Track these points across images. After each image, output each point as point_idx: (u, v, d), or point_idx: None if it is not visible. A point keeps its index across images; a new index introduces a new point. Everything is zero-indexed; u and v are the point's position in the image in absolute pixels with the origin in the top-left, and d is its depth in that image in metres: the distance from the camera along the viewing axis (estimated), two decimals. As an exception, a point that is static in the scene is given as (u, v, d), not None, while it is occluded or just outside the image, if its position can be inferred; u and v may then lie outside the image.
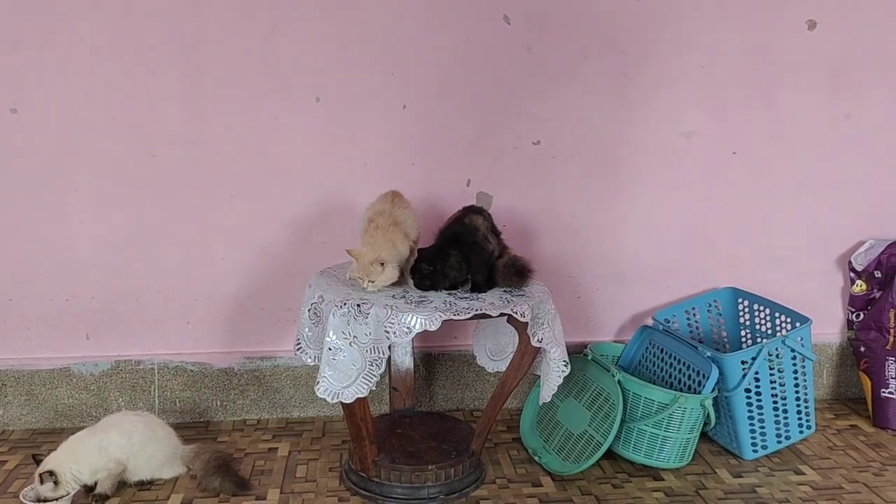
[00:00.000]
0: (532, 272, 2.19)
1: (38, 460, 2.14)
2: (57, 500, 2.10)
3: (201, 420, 2.69)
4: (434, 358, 2.75)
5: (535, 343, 2.11)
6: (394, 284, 2.14)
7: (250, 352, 2.68)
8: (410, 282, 2.18)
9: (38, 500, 2.10)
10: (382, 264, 2.06)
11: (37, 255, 2.53)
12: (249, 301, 2.64)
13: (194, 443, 2.39)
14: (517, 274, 2.15)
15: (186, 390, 2.66)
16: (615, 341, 2.80)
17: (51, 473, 2.09)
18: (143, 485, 2.26)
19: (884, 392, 2.70)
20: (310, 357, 2.20)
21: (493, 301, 2.07)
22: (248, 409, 2.71)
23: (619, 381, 2.35)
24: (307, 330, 2.18)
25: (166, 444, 2.28)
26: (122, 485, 2.24)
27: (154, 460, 2.25)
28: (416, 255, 2.20)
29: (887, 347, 2.72)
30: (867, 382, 2.77)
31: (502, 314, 2.03)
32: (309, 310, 2.15)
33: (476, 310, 2.00)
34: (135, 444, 2.21)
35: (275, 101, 2.50)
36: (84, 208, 2.51)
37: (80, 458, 2.15)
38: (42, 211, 2.50)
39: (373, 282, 2.07)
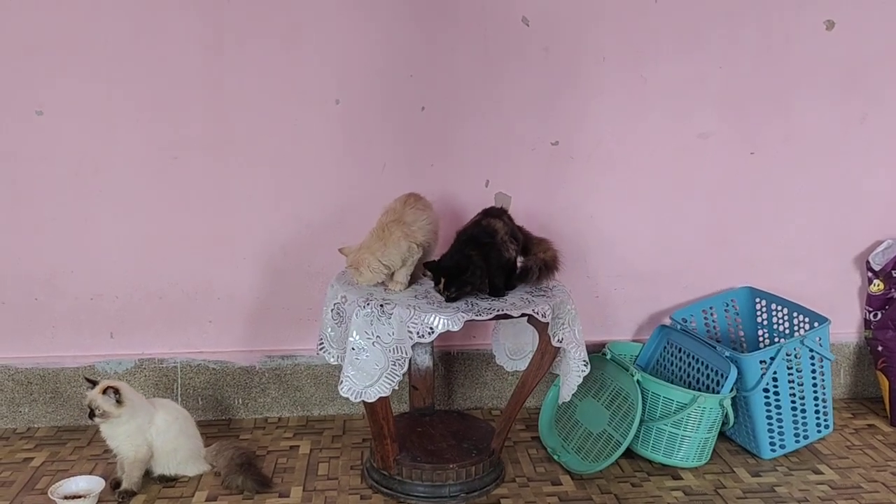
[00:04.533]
0: (532, 272, 2.19)
1: (92, 381, 2.20)
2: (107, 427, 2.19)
3: (223, 418, 2.72)
4: (453, 357, 2.77)
5: (555, 343, 2.13)
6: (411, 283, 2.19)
7: (271, 350, 2.71)
8: (426, 277, 2.24)
9: (67, 497, 2.15)
10: (358, 268, 2.10)
11: (61, 255, 2.57)
12: (270, 300, 2.67)
13: (216, 440, 2.43)
14: (518, 277, 2.19)
15: (208, 388, 2.70)
16: (633, 340, 2.82)
17: (116, 391, 2.15)
18: (167, 481, 2.30)
19: (902, 391, 2.71)
20: (333, 357, 2.23)
21: (514, 301, 2.09)
22: (269, 407, 2.74)
23: (638, 381, 2.37)
24: (330, 330, 2.20)
25: (194, 442, 2.33)
26: (146, 483, 2.27)
27: (178, 454, 2.29)
28: (427, 258, 2.23)
29: (905, 347, 2.72)
30: (885, 382, 2.77)
31: (523, 314, 2.05)
32: (332, 310, 2.18)
33: (498, 310, 2.02)
34: (172, 432, 2.26)
35: (295, 104, 2.53)
36: (108, 209, 2.55)
37: (133, 415, 2.20)
38: (66, 211, 2.54)
39: (357, 281, 2.13)
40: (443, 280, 2.06)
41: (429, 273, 2.14)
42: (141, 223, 2.57)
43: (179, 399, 2.67)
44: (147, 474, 2.28)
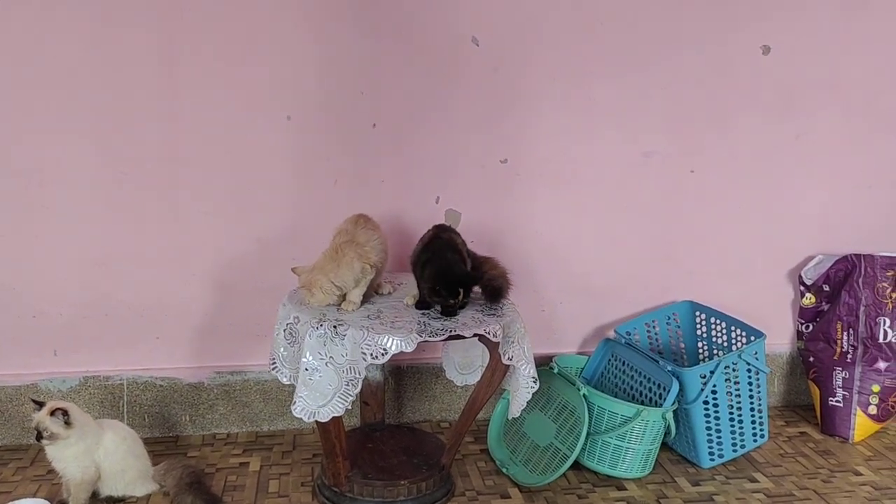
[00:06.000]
0: (506, 292, 2.25)
1: (39, 403, 2.15)
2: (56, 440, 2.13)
3: (170, 435, 2.70)
4: (403, 371, 2.80)
5: (505, 361, 2.18)
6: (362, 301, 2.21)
7: (220, 366, 2.69)
8: (377, 296, 2.30)
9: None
10: (310, 289, 2.11)
11: (3, 271, 2.50)
12: (220, 316, 2.66)
13: (164, 458, 2.41)
14: (491, 297, 2.22)
15: (155, 405, 2.67)
16: (579, 353, 2.89)
17: (64, 412, 2.11)
18: (115, 502, 2.27)
19: (831, 400, 2.83)
20: (285, 376, 2.23)
21: (465, 322, 2.13)
22: (217, 424, 2.72)
23: (584, 395, 2.43)
24: (282, 349, 2.21)
25: (142, 463, 2.30)
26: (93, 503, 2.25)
27: (126, 475, 2.26)
28: (378, 278, 2.27)
29: (834, 358, 2.85)
30: (816, 391, 2.90)
31: (475, 335, 2.09)
32: (284, 330, 2.18)
33: (450, 331, 2.06)
34: (120, 452, 2.23)
35: (246, 119, 2.52)
36: (53, 224, 2.50)
37: (81, 436, 2.16)
38: (10, 226, 2.48)
39: (309, 301, 2.13)
40: (461, 291, 2.10)
41: (437, 290, 2.12)
42: (87, 238, 2.53)
43: (125, 416, 2.64)
44: (94, 496, 2.25)
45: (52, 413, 2.11)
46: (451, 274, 2.13)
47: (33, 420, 2.13)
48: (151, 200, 2.53)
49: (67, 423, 2.12)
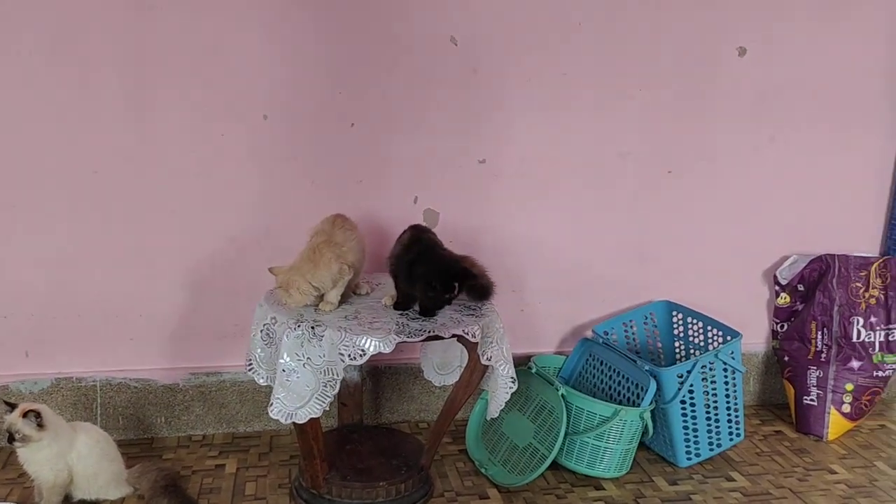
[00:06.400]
0: (493, 290, 2.23)
1: (10, 404, 2.12)
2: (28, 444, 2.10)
3: (145, 437, 2.66)
4: (381, 371, 2.79)
5: (484, 361, 2.17)
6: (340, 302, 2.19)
7: (195, 367, 2.66)
8: (355, 296, 2.27)
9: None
10: (287, 290, 2.08)
11: (-28, 271, 2.47)
12: (194, 317, 2.63)
13: (139, 460, 2.38)
14: (479, 296, 2.20)
15: (130, 407, 2.63)
16: (557, 352, 2.89)
17: (37, 414, 2.09)
18: (88, 506, 2.25)
19: (806, 399, 2.86)
20: (262, 377, 2.21)
21: (444, 322, 2.12)
22: (193, 425, 2.69)
23: (562, 395, 2.44)
24: (259, 350, 2.18)
25: (116, 466, 2.27)
26: (65, 506, 2.22)
27: (99, 479, 2.23)
28: (356, 278, 2.25)
29: (809, 357, 2.88)
30: (790, 390, 2.93)
31: (454, 335, 2.09)
32: (261, 331, 2.16)
33: (429, 331, 2.05)
34: (93, 456, 2.20)
35: (221, 118, 2.49)
36: (22, 224, 2.45)
37: (54, 439, 2.14)
38: (-22, 226, 2.44)
39: (286, 302, 2.11)
40: (456, 285, 2.09)
41: (433, 285, 2.09)
42: (58, 238, 2.48)
43: (99, 419, 2.60)
44: (66, 499, 2.21)
45: (25, 415, 2.08)
46: (446, 268, 2.12)
47: (5, 422, 2.09)
48: (123, 199, 2.49)
49: (40, 426, 2.09)
